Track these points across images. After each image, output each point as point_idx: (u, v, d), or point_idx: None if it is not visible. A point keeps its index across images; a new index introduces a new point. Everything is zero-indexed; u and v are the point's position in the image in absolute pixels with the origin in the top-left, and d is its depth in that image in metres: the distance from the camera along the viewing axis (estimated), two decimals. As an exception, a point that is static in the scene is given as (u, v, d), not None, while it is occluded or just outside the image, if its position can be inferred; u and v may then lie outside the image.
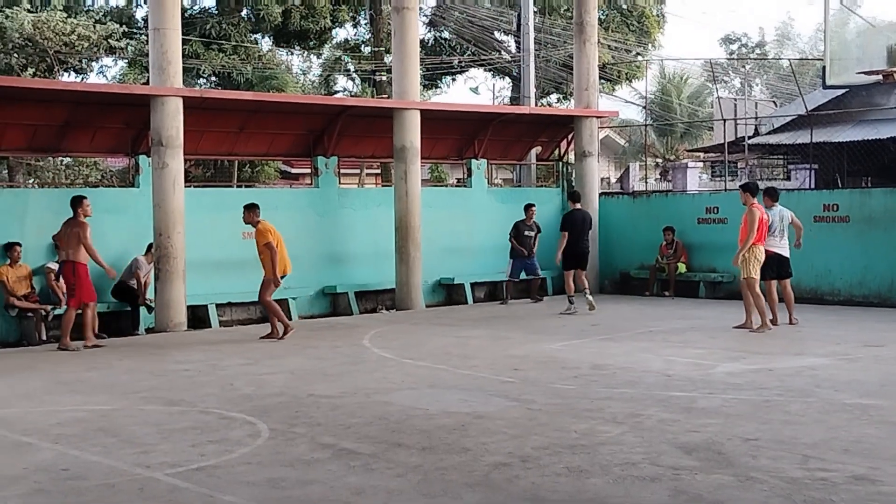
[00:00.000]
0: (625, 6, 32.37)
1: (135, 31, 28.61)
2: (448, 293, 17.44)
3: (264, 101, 16.62)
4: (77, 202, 11.95)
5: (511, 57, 31.21)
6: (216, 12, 29.12)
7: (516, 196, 18.41)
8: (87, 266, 11.88)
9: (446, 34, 33.17)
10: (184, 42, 16.84)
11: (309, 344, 11.96)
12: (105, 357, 11.15)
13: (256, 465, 6.25)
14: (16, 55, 24.83)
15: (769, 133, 24.64)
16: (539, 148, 20.10)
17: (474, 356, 10.78)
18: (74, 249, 11.73)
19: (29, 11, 25.07)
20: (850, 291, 15.79)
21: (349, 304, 15.93)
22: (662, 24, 34.36)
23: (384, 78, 30.03)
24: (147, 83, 15.90)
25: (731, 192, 17.33)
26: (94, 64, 29.41)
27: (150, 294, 13.63)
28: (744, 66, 51.45)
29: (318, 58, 34.36)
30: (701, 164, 32.22)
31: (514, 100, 29.94)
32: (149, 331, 13.53)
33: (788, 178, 27.07)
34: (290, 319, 13.30)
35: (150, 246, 13.64)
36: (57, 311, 12.68)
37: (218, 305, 14.39)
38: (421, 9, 26.65)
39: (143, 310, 13.62)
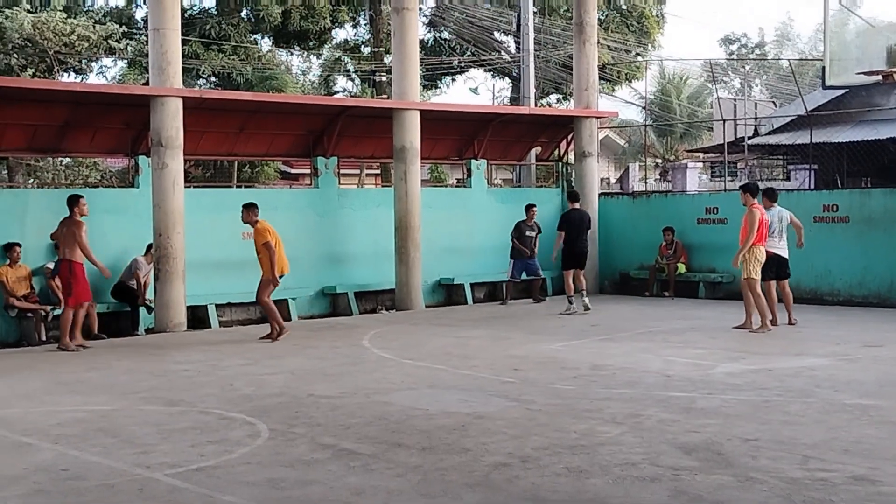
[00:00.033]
0: (625, 6, 32.38)
1: (134, 31, 28.62)
2: (448, 293, 17.44)
3: (264, 101, 16.61)
4: (73, 201, 11.96)
5: (511, 57, 31.20)
6: (216, 13, 29.13)
7: (516, 196, 18.41)
8: (84, 265, 11.88)
9: (446, 34, 33.15)
10: (183, 42, 16.85)
11: (309, 344, 11.96)
12: (105, 357, 11.15)
13: (256, 466, 6.25)
14: (16, 55, 24.83)
15: (769, 133, 24.67)
16: (539, 148, 20.09)
17: (474, 356, 10.78)
18: (70, 248, 11.74)
19: (29, 12, 25.08)
20: (849, 292, 15.79)
21: (349, 304, 15.93)
22: (662, 25, 34.35)
23: (384, 78, 30.01)
24: (147, 83, 15.89)
25: (731, 193, 17.34)
26: (93, 64, 29.47)
27: (149, 294, 13.62)
28: (743, 67, 51.41)
29: (317, 58, 34.38)
30: (700, 165, 32.26)
31: (514, 100, 29.93)
32: (148, 331, 13.52)
33: (788, 179, 27.09)
34: (289, 320, 13.29)
35: (149, 246, 13.63)
36: (56, 312, 12.66)
37: (218, 306, 14.38)
38: (421, 9, 26.59)
39: (142, 310, 13.61)
